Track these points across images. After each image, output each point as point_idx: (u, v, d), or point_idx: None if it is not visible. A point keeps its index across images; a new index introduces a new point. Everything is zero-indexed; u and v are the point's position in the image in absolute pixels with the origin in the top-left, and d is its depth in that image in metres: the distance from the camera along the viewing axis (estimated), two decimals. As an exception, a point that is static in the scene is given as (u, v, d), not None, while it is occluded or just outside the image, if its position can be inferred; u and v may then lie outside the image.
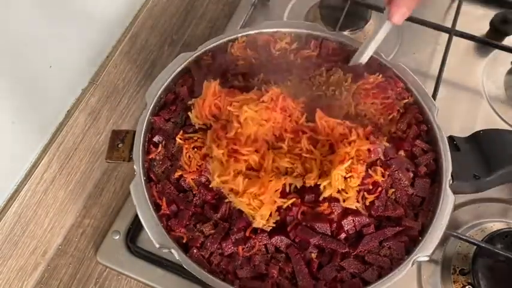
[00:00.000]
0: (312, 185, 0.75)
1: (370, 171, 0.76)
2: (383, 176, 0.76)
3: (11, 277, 0.91)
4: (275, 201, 0.73)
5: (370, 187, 0.76)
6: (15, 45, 0.83)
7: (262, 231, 0.74)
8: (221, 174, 0.74)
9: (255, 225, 0.73)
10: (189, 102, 0.82)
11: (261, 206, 0.72)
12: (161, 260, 0.91)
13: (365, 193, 0.76)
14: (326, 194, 0.74)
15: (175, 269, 0.90)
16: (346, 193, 0.74)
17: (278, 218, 0.74)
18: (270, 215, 0.74)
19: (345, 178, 0.74)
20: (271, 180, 0.73)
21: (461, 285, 0.87)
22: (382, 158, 0.78)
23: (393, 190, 0.78)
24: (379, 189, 0.76)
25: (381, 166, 0.77)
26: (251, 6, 1.16)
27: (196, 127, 0.81)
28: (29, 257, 0.93)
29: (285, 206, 0.74)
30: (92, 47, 1.02)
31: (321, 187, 0.74)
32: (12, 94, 0.85)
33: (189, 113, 0.81)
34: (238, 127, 0.76)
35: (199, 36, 1.22)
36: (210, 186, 0.76)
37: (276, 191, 0.74)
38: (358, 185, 0.75)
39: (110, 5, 1.03)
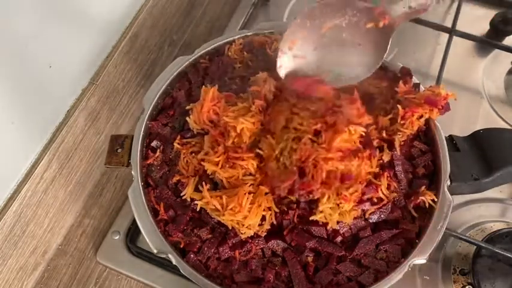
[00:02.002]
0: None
1: (374, 181, 0.75)
2: (389, 187, 0.76)
3: (11, 277, 0.91)
4: (264, 208, 0.73)
5: (375, 200, 0.76)
6: (15, 45, 0.83)
7: (259, 235, 0.74)
8: (202, 196, 0.74)
9: (243, 237, 0.73)
10: (187, 107, 0.82)
11: (246, 217, 0.72)
12: (161, 260, 0.91)
13: (367, 205, 0.75)
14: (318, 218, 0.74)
15: (175, 269, 0.89)
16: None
17: (273, 221, 0.74)
18: (264, 220, 0.74)
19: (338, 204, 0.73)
20: (249, 192, 0.73)
21: (461, 285, 0.87)
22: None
23: (394, 194, 0.77)
24: (384, 202, 0.76)
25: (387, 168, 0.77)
26: (251, 6, 1.16)
27: (195, 132, 0.81)
28: (29, 257, 0.93)
29: (268, 216, 0.74)
30: (92, 47, 1.02)
31: (318, 217, 0.73)
32: (12, 94, 0.85)
33: (187, 118, 0.81)
34: (236, 136, 0.76)
35: (199, 36, 1.22)
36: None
37: (267, 194, 0.74)
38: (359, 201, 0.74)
39: (110, 5, 1.03)
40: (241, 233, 0.73)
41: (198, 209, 0.75)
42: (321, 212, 0.72)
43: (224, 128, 0.77)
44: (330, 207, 0.72)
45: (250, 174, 0.76)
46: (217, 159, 0.75)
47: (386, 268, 0.73)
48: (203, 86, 0.80)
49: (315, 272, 0.73)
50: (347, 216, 0.73)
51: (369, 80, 0.84)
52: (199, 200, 0.74)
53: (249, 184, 0.74)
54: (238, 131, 0.75)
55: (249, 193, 0.73)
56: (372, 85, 0.85)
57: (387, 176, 0.76)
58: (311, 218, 0.73)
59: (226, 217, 0.72)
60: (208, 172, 0.76)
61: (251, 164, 0.75)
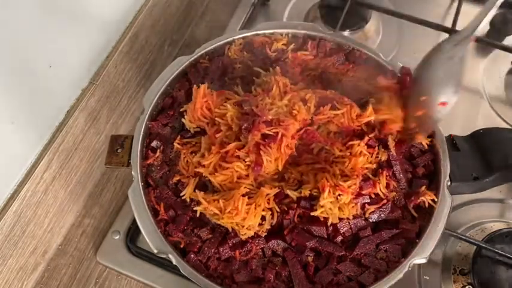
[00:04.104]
0: (307, 196, 0.75)
1: (372, 177, 0.76)
2: (388, 186, 0.76)
3: (10, 277, 0.91)
4: (264, 208, 0.74)
5: (373, 196, 0.76)
6: (15, 45, 0.82)
7: (259, 235, 0.74)
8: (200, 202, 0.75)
9: (243, 237, 0.73)
10: (181, 109, 0.82)
11: (245, 218, 0.72)
12: (161, 260, 0.91)
13: (366, 204, 0.75)
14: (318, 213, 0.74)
15: (175, 269, 0.89)
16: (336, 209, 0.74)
17: (273, 221, 0.74)
18: (264, 220, 0.74)
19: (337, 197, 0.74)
20: (246, 194, 0.74)
21: (461, 285, 0.87)
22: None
23: (394, 194, 0.77)
24: (384, 201, 0.76)
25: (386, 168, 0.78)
26: (251, 6, 1.17)
27: (192, 131, 0.81)
28: (29, 257, 0.93)
29: (268, 216, 0.74)
30: (91, 47, 1.01)
31: (318, 213, 0.74)
32: (12, 94, 0.85)
33: (182, 120, 0.81)
34: (227, 129, 0.77)
35: (199, 36, 1.22)
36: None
37: (267, 195, 0.74)
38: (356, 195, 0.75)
39: (109, 5, 1.03)
40: (242, 234, 0.73)
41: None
42: (322, 206, 0.73)
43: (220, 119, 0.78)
44: (331, 202, 0.72)
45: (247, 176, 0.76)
46: (209, 162, 0.75)
47: (387, 268, 0.73)
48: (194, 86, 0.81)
49: (315, 272, 0.73)
50: (346, 209, 0.74)
51: (368, 80, 0.85)
52: (199, 200, 0.74)
53: (244, 186, 0.74)
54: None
55: (246, 194, 0.73)
56: (372, 85, 0.85)
57: (386, 175, 0.76)
58: (312, 214, 0.73)
59: (226, 220, 0.72)
60: (205, 175, 0.77)
61: (237, 166, 0.75)
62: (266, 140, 0.74)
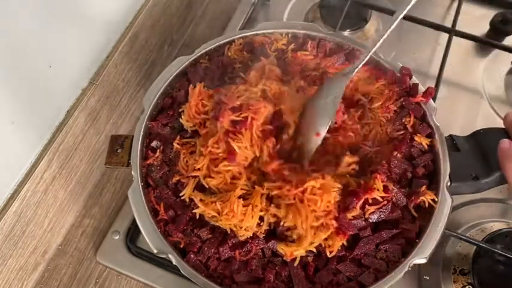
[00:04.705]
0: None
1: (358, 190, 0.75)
2: (388, 190, 0.75)
3: (10, 277, 0.91)
4: (261, 208, 0.73)
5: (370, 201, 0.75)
6: (15, 45, 0.83)
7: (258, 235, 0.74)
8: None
9: (241, 238, 0.73)
10: (180, 110, 0.82)
11: (243, 220, 0.72)
12: (161, 260, 0.91)
13: (366, 204, 0.75)
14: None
15: (175, 269, 0.89)
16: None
17: (271, 221, 0.74)
18: (262, 220, 0.74)
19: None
20: (242, 195, 0.73)
21: (461, 285, 0.87)
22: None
23: (394, 192, 0.77)
24: (384, 202, 0.75)
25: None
26: (251, 6, 1.17)
27: (189, 131, 0.81)
28: (29, 257, 0.93)
29: (266, 217, 0.74)
30: (91, 47, 1.01)
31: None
32: (12, 94, 0.85)
33: (180, 119, 0.81)
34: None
35: (199, 36, 1.22)
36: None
37: (262, 195, 0.74)
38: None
39: (110, 5, 1.03)
40: (240, 236, 0.73)
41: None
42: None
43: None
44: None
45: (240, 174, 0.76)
46: (201, 165, 0.76)
47: (387, 268, 0.73)
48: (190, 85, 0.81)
49: (315, 272, 0.73)
50: (336, 241, 0.72)
51: (368, 80, 0.85)
52: (197, 200, 0.74)
53: (240, 187, 0.74)
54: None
55: (242, 196, 0.73)
56: (371, 85, 0.85)
57: (381, 180, 0.75)
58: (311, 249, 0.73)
59: (223, 222, 0.72)
60: (201, 178, 0.77)
61: (225, 165, 0.75)
62: (237, 127, 0.74)
